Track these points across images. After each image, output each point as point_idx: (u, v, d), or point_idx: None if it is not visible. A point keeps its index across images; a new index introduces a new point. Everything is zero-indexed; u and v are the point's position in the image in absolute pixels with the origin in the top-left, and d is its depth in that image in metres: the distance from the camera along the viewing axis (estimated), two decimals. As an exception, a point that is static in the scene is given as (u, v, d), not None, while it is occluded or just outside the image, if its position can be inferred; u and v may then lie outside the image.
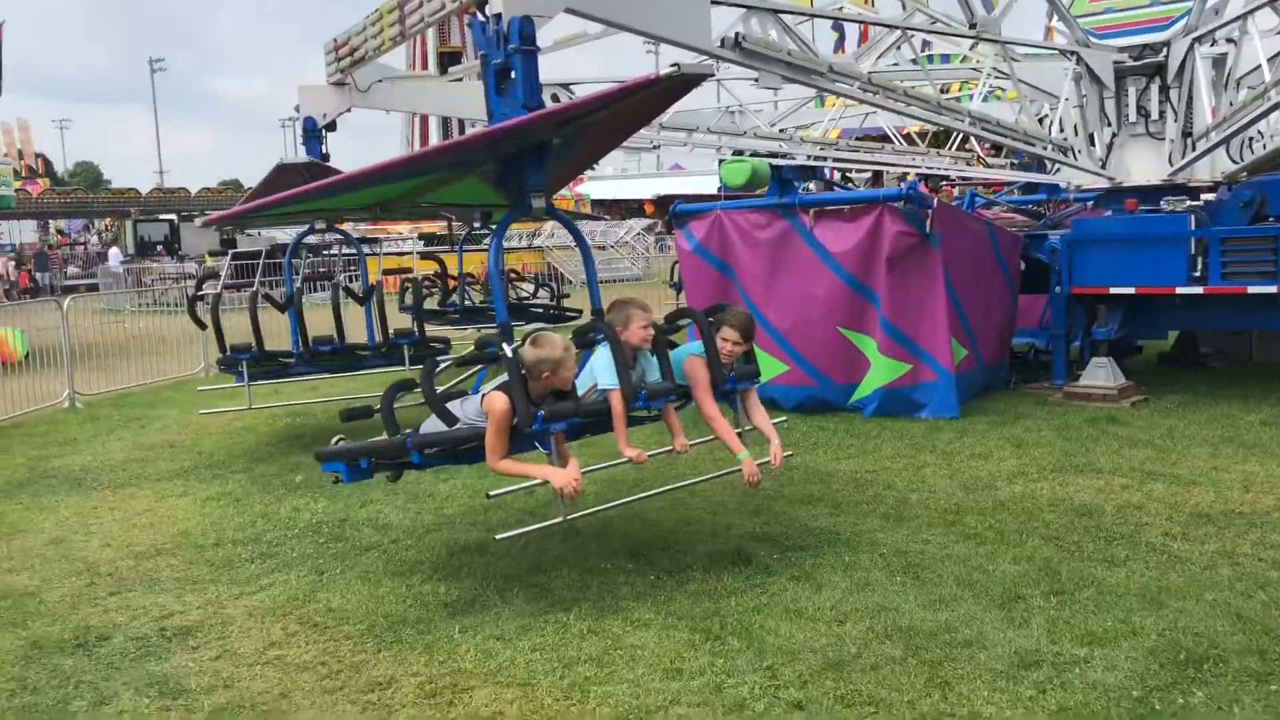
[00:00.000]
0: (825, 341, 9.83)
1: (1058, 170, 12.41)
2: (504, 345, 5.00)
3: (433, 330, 12.95)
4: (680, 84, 4.64)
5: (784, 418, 6.30)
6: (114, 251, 40.62)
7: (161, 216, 43.55)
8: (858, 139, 15.43)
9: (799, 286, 9.89)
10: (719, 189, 10.99)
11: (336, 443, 5.56)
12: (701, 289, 10.47)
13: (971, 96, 14.20)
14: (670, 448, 5.69)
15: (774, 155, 11.98)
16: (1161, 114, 10.89)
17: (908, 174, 18.89)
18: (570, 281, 25.29)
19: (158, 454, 9.59)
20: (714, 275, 10.45)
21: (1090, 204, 12.20)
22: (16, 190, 35.07)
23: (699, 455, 8.05)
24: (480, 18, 5.91)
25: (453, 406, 5.24)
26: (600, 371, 5.34)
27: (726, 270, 10.40)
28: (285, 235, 30.85)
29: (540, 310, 13.67)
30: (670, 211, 11.04)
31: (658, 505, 6.80)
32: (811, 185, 11.31)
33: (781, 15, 8.07)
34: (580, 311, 13.82)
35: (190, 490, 8.12)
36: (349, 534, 6.70)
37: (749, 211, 10.28)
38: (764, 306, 9.90)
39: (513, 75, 5.65)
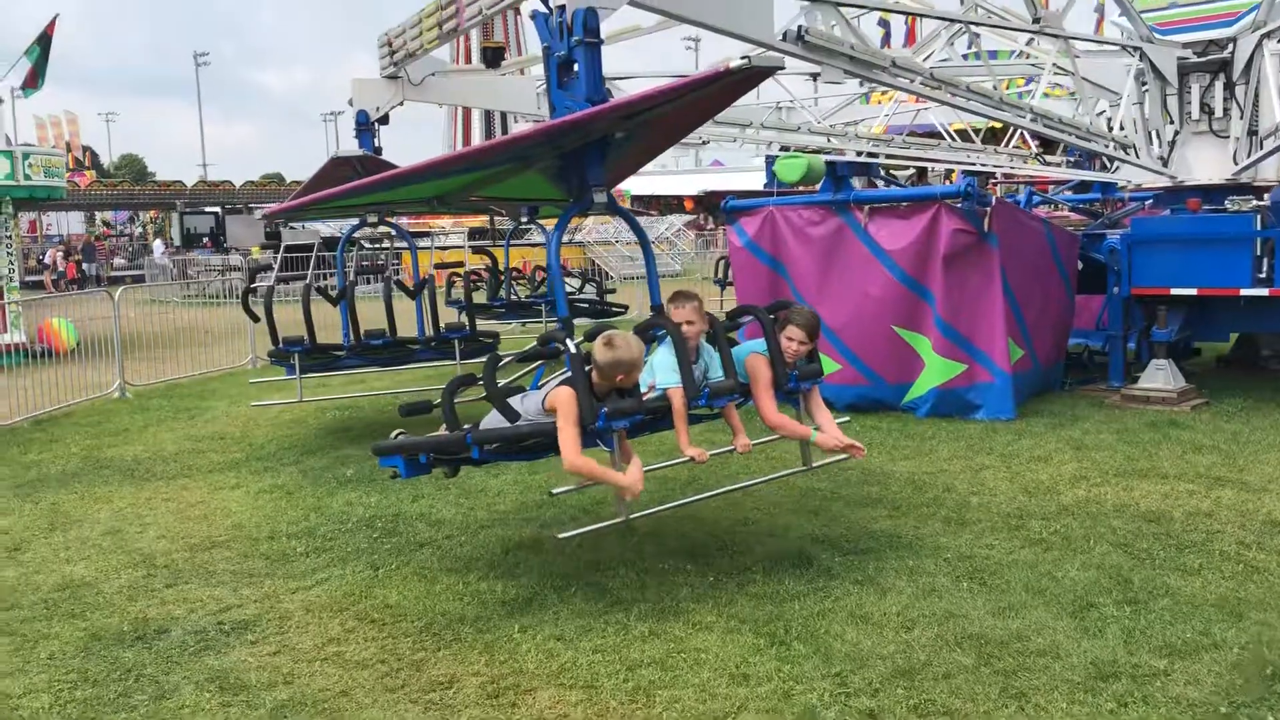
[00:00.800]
0: (879, 340, 9.73)
1: (1117, 168, 12.19)
2: (567, 341, 4.93)
3: (481, 324, 13.00)
4: (749, 77, 4.56)
5: (846, 417, 6.21)
6: (157, 244, 41.12)
7: (207, 209, 44.01)
8: (908, 135, 15.25)
9: (852, 284, 9.79)
10: (766, 184, 10.84)
11: (396, 437, 5.55)
12: (752, 285, 10.42)
13: (1020, 94, 13.99)
14: (731, 447, 5.60)
15: (823, 151, 11.84)
16: (1226, 111, 10.64)
17: (953, 171, 18.67)
18: (610, 277, 25.30)
19: (209, 445, 9.64)
20: (765, 271, 10.38)
21: (1148, 203, 11.97)
22: (65, 181, 35.57)
23: (754, 456, 7.99)
24: (543, 9, 5.85)
25: (513, 402, 5.19)
26: (661, 368, 5.28)
27: (778, 267, 10.33)
28: (329, 229, 31.08)
29: (586, 305, 13.68)
30: (722, 207, 10.98)
31: (713, 505, 6.74)
32: (857, 182, 11.19)
33: (842, 9, 7.94)
34: (626, 307, 13.82)
35: (242, 482, 8.14)
36: (402, 529, 6.68)
37: (802, 208, 10.19)
38: (816, 303, 9.72)
39: (576, 68, 5.59)
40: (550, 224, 12.83)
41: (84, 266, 39.38)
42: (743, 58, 4.48)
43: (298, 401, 9.53)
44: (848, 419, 6.16)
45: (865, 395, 9.82)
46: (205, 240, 40.68)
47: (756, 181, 25.52)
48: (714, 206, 12.50)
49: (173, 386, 13.34)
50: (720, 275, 15.81)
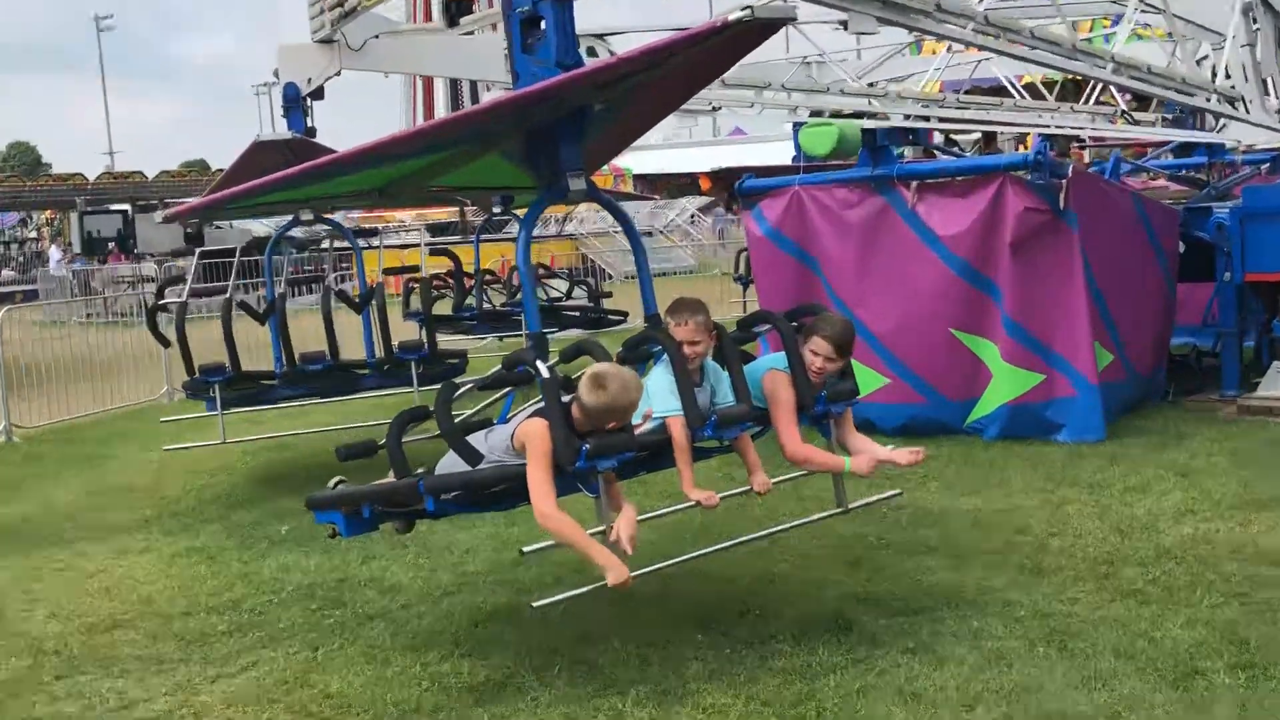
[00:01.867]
0: (934, 347, 9.71)
1: (1223, 126, 12.15)
2: (539, 364, 4.93)
3: (445, 341, 12.96)
4: (754, 30, 4.55)
5: (891, 445, 6.18)
6: (54, 251, 41.20)
7: (113, 207, 44.10)
8: (965, 93, 15.24)
9: (899, 279, 9.79)
10: (794, 158, 10.86)
11: (334, 486, 5.53)
12: (777, 284, 10.39)
13: (1106, 39, 13.98)
14: (747, 486, 5.59)
15: (862, 116, 11.83)
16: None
17: (1027, 136, 18.66)
18: (610, 276, 25.35)
19: (113, 500, 9.65)
20: (792, 266, 10.37)
21: (1264, 168, 11.94)
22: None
23: (780, 495, 7.97)
24: (499, -47, 5.86)
25: (475, 440, 5.19)
26: (658, 393, 5.29)
27: (808, 260, 10.33)
28: (264, 228, 31.12)
29: (577, 314, 13.67)
30: (736, 188, 10.97)
31: (731, 559, 6.71)
32: (908, 152, 11.17)
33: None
34: (625, 315, 13.81)
35: (153, 545, 8.14)
36: (348, 598, 6.68)
37: (835, 186, 10.19)
38: (856, 304, 9.81)
39: (543, 26, 5.58)
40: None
41: (-38, 282, 39.58)
42: (744, 7, 4.47)
43: (220, 444, 9.52)
44: (891, 445, 6.12)
45: (919, 416, 9.79)
46: (111, 246, 40.78)
47: (787, 154, 25.50)
48: (733, 186, 12.50)
49: (70, 428, 13.36)
50: (741, 271, 15.80)
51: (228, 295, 10.05)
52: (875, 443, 5.93)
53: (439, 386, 5.30)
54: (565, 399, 4.94)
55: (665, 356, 5.29)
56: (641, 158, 49.72)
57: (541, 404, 4.93)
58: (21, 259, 49.99)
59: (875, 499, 6.32)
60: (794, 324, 5.80)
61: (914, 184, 9.76)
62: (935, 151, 11.62)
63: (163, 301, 10.87)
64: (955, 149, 12.94)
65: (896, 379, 9.85)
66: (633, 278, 6.50)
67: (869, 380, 9.61)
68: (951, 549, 6.81)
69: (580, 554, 4.95)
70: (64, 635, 6.40)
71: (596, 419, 4.86)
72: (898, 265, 9.81)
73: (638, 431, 5.11)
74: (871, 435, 7.19)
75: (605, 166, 42.25)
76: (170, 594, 7.01)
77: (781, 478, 6.04)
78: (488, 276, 14.24)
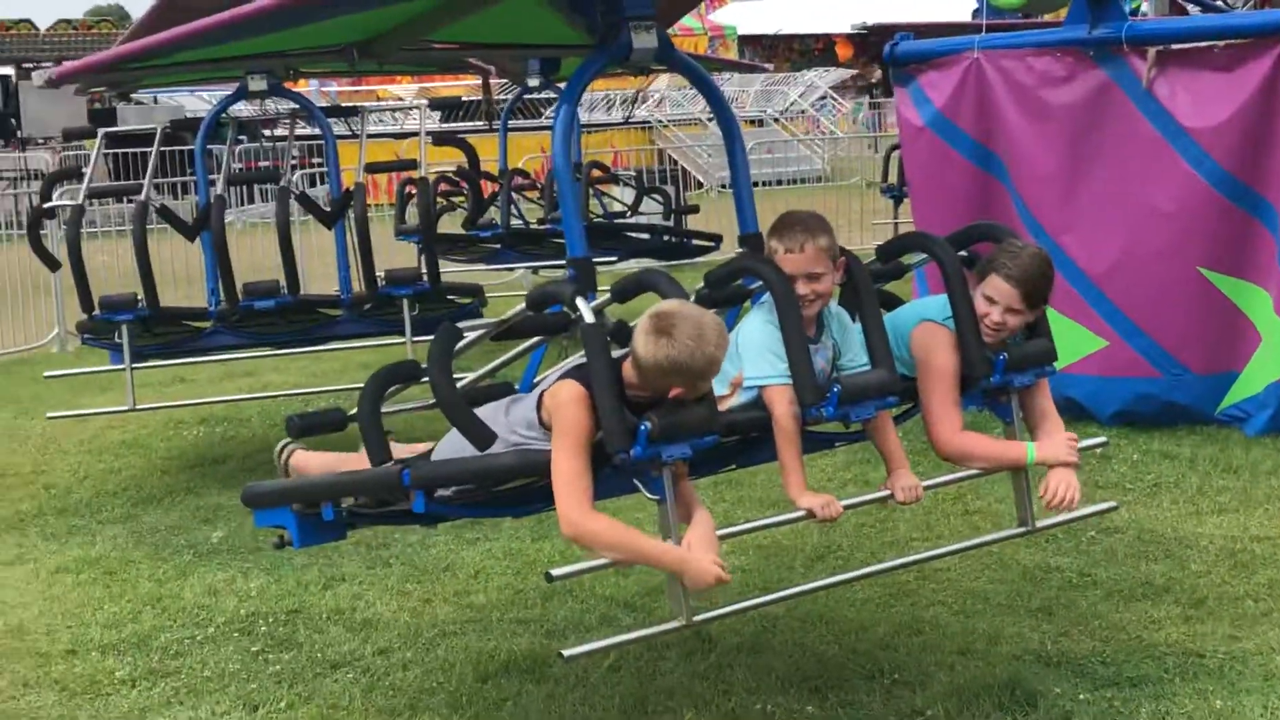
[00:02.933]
0: (1174, 296, 9.65)
1: None
2: (579, 301, 4.90)
3: (453, 270, 12.99)
4: None
5: (1102, 437, 6.11)
6: (-93, 135, 41.78)
7: (-11, 71, 44.79)
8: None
9: (1126, 192, 9.71)
10: (975, 12, 10.75)
11: (281, 450, 5.57)
12: (943, 197, 10.39)
13: None
14: (885, 491, 5.56)
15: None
16: None
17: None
18: (700, 185, 25.29)
19: (-26, 489, 9.80)
20: (967, 171, 10.38)
21: None
22: None
23: (935, 506, 7.93)
24: None
25: (486, 413, 5.20)
26: (752, 351, 5.27)
27: (990, 161, 10.31)
28: (200, 102, 31.26)
29: (646, 236, 13.64)
30: (886, 54, 10.87)
31: (859, 598, 6.72)
32: (1146, 5, 10.99)
33: None
34: (718, 240, 13.77)
35: (29, 554, 8.27)
36: (303, 638, 6.73)
37: (1034, 53, 10.10)
38: (1059, 230, 9.80)
39: None
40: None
41: None
42: None
43: (129, 410, 9.63)
44: (1105, 439, 6.06)
45: (1151, 396, 9.75)
46: (-15, 128, 41.41)
47: (965, 7, 25.21)
48: (882, 53, 12.33)
49: (-80, 385, 13.60)
50: (892, 180, 15.69)
51: (142, 198, 10.11)
52: (1075, 438, 5.80)
53: (435, 334, 5.28)
54: (616, 354, 4.91)
55: (766, 298, 5.23)
56: (751, 11, 49.59)
57: (581, 361, 4.91)
58: None
59: (1077, 515, 6.24)
60: (962, 254, 5.73)
61: (1152, 51, 9.62)
62: (1186, 4, 11.43)
63: (50, 205, 10.97)
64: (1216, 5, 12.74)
65: (1118, 340, 9.79)
66: (730, 187, 6.44)
67: (1075, 342, 9.59)
68: (1189, 593, 6.76)
69: (635, 561, 4.98)
70: (-102, 678, 6.52)
71: (657, 382, 4.81)
72: (1124, 172, 9.73)
73: (722, 406, 5.07)
74: (1076, 425, 7.12)
75: (696, 22, 42.28)
76: (50, 624, 7.09)
77: (937, 479, 6.00)
78: (519, 180, 14.26)
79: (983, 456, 5.66)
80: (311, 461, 5.77)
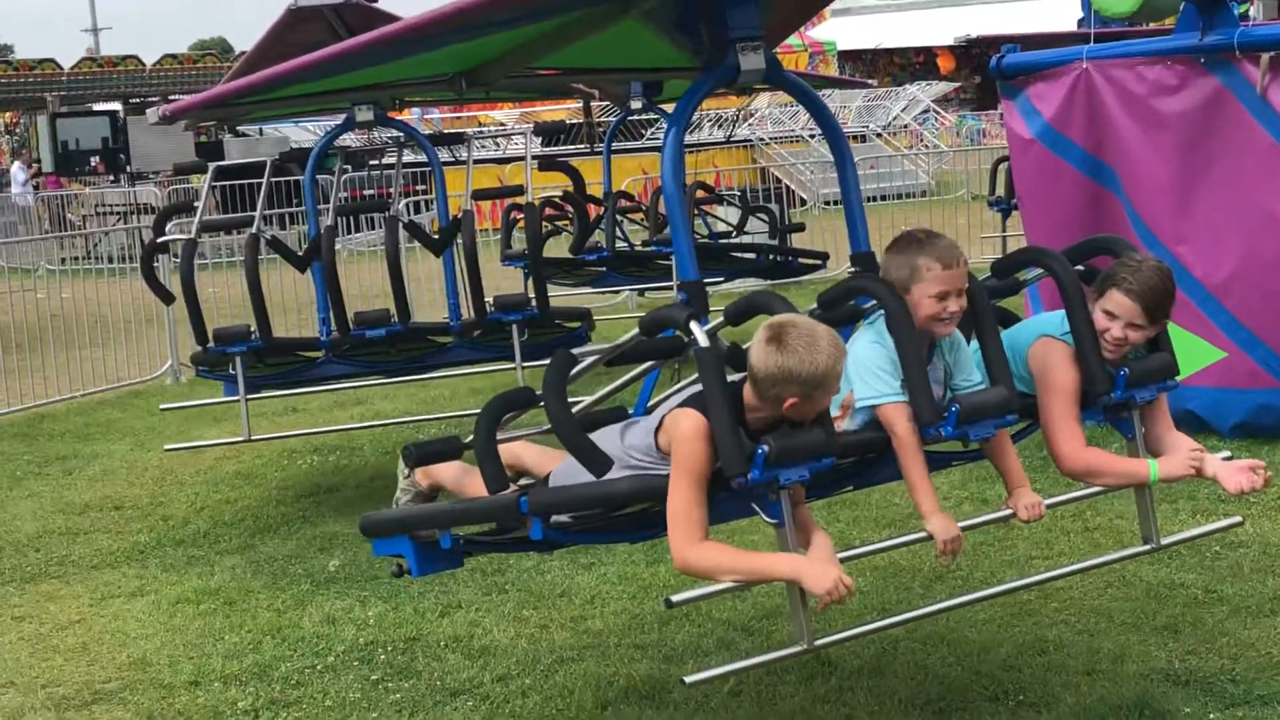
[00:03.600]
0: (1296, 306, 9.46)
1: None
2: (693, 325, 4.90)
3: (562, 296, 12.99)
4: None
5: (1225, 451, 6.00)
6: (15, 169, 42.31)
7: (98, 107, 45.35)
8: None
9: (1245, 202, 9.58)
10: (1081, 21, 10.65)
11: (400, 502, 5.57)
12: (1054, 209, 10.32)
13: None
14: (1005, 510, 5.52)
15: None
16: None
17: None
18: (804, 202, 25.23)
19: (95, 521, 9.91)
20: (1078, 183, 10.29)
21: None
22: None
23: (1056, 524, 7.85)
24: None
25: (601, 437, 5.20)
26: (866, 371, 5.22)
27: (1102, 173, 10.21)
28: (306, 134, 31.55)
29: (753, 256, 13.61)
30: (993, 66, 10.81)
31: (981, 619, 6.67)
32: (1254, 9, 10.83)
33: None
34: (825, 258, 13.72)
35: (150, 585, 8.35)
36: (422, 666, 6.76)
37: (1145, 62, 9.98)
38: (1176, 241, 9.70)
39: None
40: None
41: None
42: None
43: (244, 441, 9.72)
44: (1228, 453, 5.96)
45: (1272, 407, 9.60)
46: (95, 161, 41.90)
47: (1070, 16, 24.97)
48: (988, 65, 12.27)
49: (36, 419, 13.77)
50: (1000, 193, 15.57)
51: (253, 230, 10.20)
52: (1202, 447, 5.75)
53: (550, 360, 5.30)
54: (732, 379, 4.90)
55: (872, 318, 5.22)
56: (851, 26, 49.43)
57: (698, 387, 4.90)
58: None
59: (1202, 531, 6.16)
60: (1079, 269, 5.68)
61: (1265, 57, 9.49)
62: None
63: (164, 239, 11.10)
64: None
65: (1238, 352, 9.66)
66: (837, 204, 6.41)
67: (1195, 354, 9.46)
68: (1319, 608, 6.68)
69: (753, 579, 5.00)
70: (24, 713, 6.57)
71: (770, 392, 4.79)
72: (1240, 181, 9.59)
73: (839, 426, 5.05)
74: (1197, 439, 7.03)
75: (797, 41, 42.24)
76: (172, 655, 7.15)
77: (1059, 498, 5.95)
78: (623, 202, 14.27)
79: (1109, 473, 5.60)
80: (443, 471, 5.80)
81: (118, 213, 30.29)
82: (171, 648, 7.26)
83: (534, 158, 13.35)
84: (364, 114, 9.44)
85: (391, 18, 9.09)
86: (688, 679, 5.01)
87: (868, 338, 5.25)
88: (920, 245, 5.28)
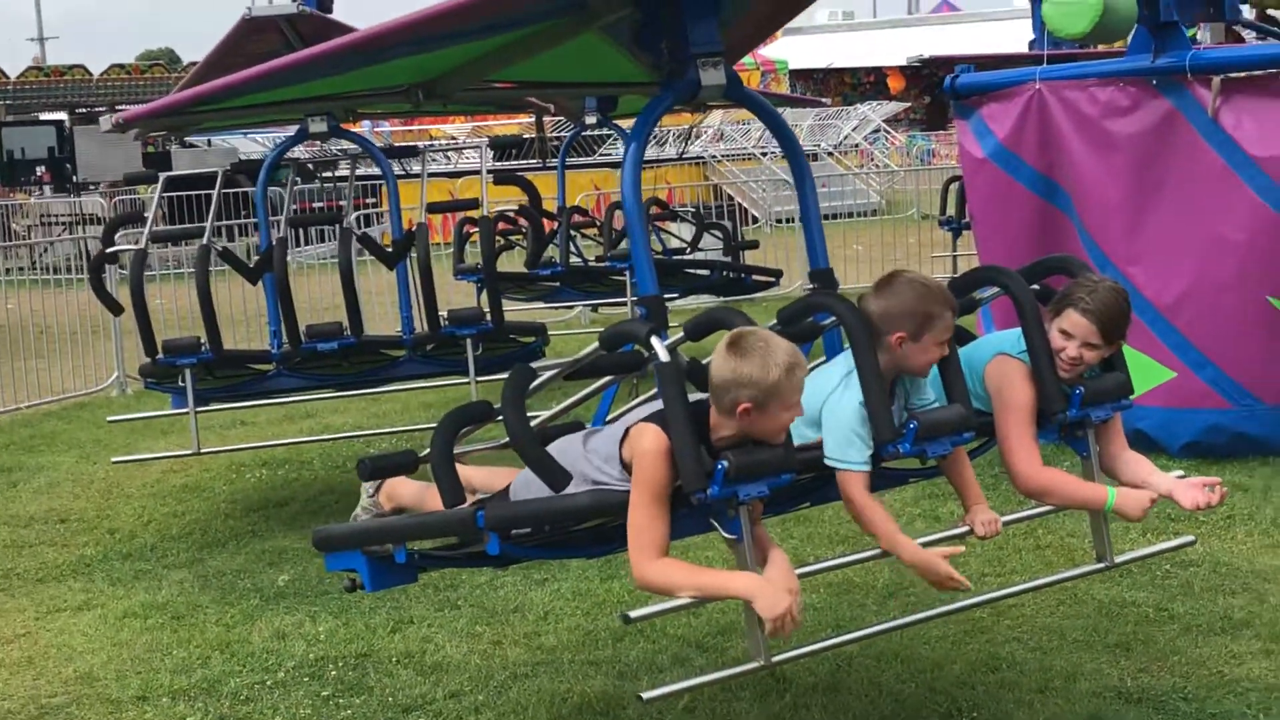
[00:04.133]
0: (1244, 326, 9.61)
1: None
2: (653, 339, 4.90)
3: (516, 309, 12.98)
4: None
5: (1178, 470, 6.04)
6: (-38, 181, 42.04)
7: (44, 116, 45.09)
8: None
9: (1195, 223, 9.66)
10: (1033, 43, 10.71)
11: (357, 517, 5.54)
12: (1007, 229, 10.38)
13: None
14: (961, 527, 5.52)
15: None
16: None
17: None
18: (755, 220, 25.26)
19: (40, 534, 9.84)
20: (1031, 203, 10.36)
21: None
22: None
23: (1010, 542, 7.88)
24: None
25: (562, 444, 5.22)
26: (839, 432, 5.21)
27: (1055, 193, 10.28)
28: (256, 145, 31.44)
29: (707, 272, 13.63)
30: (947, 85, 10.86)
31: (935, 635, 6.68)
32: (1203, 32, 10.93)
33: None
34: (778, 275, 13.75)
35: (96, 599, 8.29)
36: (374, 682, 6.73)
37: (1097, 83, 10.05)
38: (1127, 262, 9.77)
39: None
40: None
41: None
42: None
43: (193, 454, 9.66)
44: (1181, 472, 5.99)
45: (1221, 427, 9.70)
46: (41, 171, 41.65)
47: (1022, 37, 25.13)
48: (940, 86, 12.31)
49: (-16, 430, 13.69)
50: (950, 211, 15.64)
51: (204, 241, 10.14)
52: (1155, 467, 5.79)
53: (508, 374, 5.29)
54: (696, 398, 4.90)
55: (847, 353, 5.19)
56: (802, 45, 49.61)
57: (658, 406, 4.90)
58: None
59: (1155, 549, 6.21)
60: (1035, 288, 5.69)
61: (1217, 80, 9.58)
62: (1244, 31, 11.37)
63: (112, 249, 11.04)
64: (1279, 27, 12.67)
65: (1186, 372, 9.75)
66: (789, 222, 6.44)
67: (1145, 373, 9.51)
68: (1269, 626, 6.71)
69: (711, 596, 4.98)
70: (-31, 726, 6.56)
71: (726, 398, 4.80)
72: (1190, 201, 9.68)
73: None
74: (1148, 455, 7.09)
75: (749, 59, 42.32)
76: (119, 670, 7.10)
77: (1013, 516, 5.93)
78: (577, 217, 14.27)
79: (1064, 495, 5.61)
80: (403, 488, 5.79)
81: (63, 223, 30.16)
82: (119, 662, 7.21)
83: (489, 171, 13.33)
84: (318, 125, 9.42)
85: (347, 28, 9.08)
86: (645, 695, 4.99)
87: (855, 396, 5.16)
88: (929, 293, 5.30)
